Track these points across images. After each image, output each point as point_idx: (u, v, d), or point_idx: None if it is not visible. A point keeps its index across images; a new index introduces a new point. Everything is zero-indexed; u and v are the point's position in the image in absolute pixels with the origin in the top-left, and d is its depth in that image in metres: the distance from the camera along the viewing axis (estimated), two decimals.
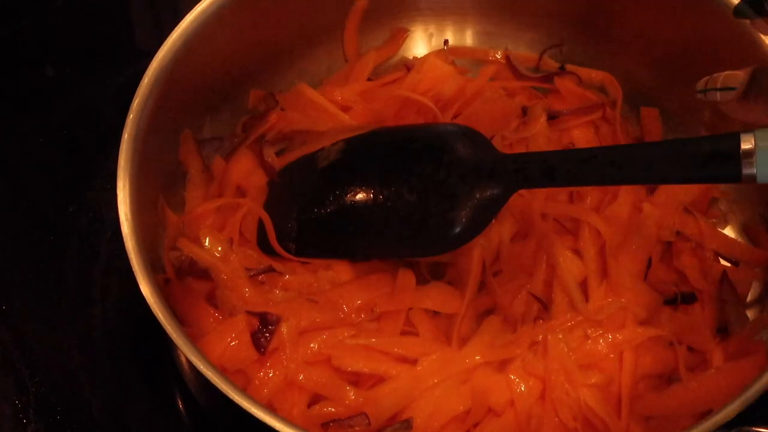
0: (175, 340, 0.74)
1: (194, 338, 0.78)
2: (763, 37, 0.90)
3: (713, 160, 0.70)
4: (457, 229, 0.81)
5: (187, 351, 0.73)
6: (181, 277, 0.85)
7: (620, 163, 0.75)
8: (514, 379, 0.83)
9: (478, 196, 0.80)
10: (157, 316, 0.75)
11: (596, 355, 0.85)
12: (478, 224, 0.81)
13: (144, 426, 0.93)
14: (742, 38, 0.91)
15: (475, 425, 0.82)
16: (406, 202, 0.83)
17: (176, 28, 0.88)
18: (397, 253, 0.88)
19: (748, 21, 0.77)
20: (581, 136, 0.99)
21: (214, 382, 0.72)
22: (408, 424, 0.80)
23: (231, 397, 0.71)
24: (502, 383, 0.83)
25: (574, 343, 0.85)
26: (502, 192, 0.80)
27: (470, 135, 0.83)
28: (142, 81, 0.85)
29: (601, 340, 0.85)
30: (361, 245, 0.87)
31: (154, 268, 0.80)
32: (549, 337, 0.83)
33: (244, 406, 0.71)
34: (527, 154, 0.88)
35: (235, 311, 0.83)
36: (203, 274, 0.85)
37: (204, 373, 0.72)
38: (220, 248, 0.86)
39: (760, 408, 0.75)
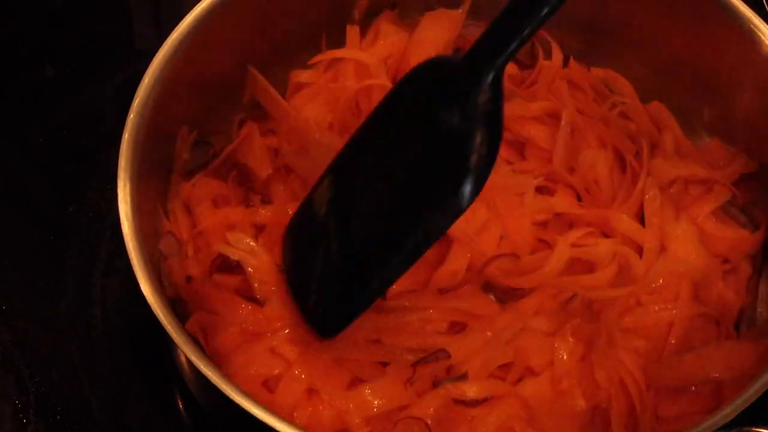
0: (175, 340, 0.74)
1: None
2: (764, 40, 0.90)
3: None
4: (473, 158, 0.68)
5: (187, 351, 0.73)
6: (210, 275, 0.86)
7: None
8: (559, 342, 0.84)
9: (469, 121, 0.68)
10: (157, 316, 0.75)
11: (644, 322, 0.86)
12: (493, 134, 0.69)
13: (144, 426, 0.93)
14: (744, 41, 0.92)
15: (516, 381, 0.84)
16: (411, 183, 0.74)
17: (176, 28, 0.88)
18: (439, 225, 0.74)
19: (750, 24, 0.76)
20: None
21: (214, 382, 0.72)
22: (447, 354, 0.80)
23: (231, 397, 0.71)
24: (546, 345, 0.84)
25: (625, 308, 0.86)
26: (483, 93, 0.68)
27: (413, 82, 0.74)
28: (142, 81, 0.85)
29: (652, 308, 0.86)
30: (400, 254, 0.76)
31: (154, 268, 0.81)
32: (601, 300, 0.84)
33: (244, 406, 0.71)
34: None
35: (272, 298, 0.83)
36: (233, 269, 0.86)
37: (204, 373, 0.72)
38: (250, 243, 0.86)
39: (760, 408, 0.75)
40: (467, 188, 0.68)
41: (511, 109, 0.94)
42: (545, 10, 0.67)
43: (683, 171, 0.95)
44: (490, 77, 0.68)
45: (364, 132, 0.79)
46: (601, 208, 0.92)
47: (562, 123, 0.93)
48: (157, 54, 0.87)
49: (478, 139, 0.68)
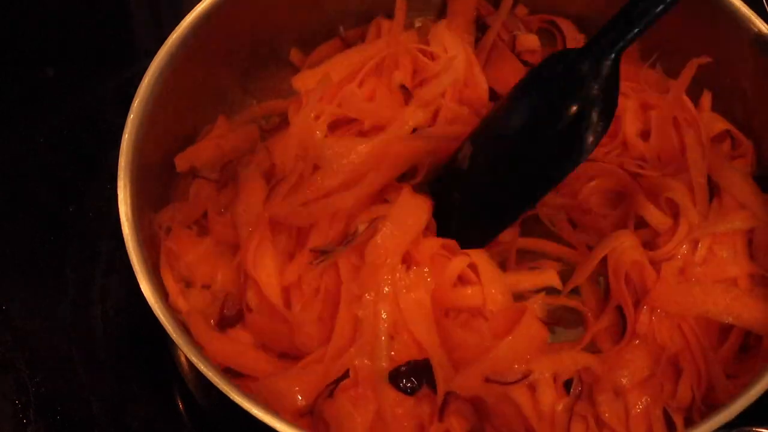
0: (175, 340, 0.74)
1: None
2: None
3: None
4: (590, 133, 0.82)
5: (187, 351, 0.74)
6: (223, 329, 0.86)
7: None
8: None
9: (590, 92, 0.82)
10: (157, 316, 0.75)
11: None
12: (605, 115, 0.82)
13: (144, 426, 0.93)
14: (744, 41, 0.92)
15: None
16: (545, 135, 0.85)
17: (176, 28, 0.88)
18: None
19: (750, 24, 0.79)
20: None
21: (214, 382, 0.72)
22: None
23: (231, 397, 0.71)
24: None
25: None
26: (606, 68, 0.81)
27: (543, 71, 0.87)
28: (142, 81, 0.85)
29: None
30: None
31: (154, 268, 0.81)
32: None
33: (244, 406, 0.71)
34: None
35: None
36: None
37: (204, 373, 0.72)
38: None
39: (760, 408, 0.75)
40: (586, 144, 0.82)
41: None
42: (660, 8, 0.80)
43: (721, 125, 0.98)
44: (611, 59, 0.81)
45: (498, 109, 0.92)
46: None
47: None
48: (157, 54, 0.87)
49: (596, 111, 0.82)
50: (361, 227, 0.87)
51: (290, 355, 0.85)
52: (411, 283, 0.84)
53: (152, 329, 0.76)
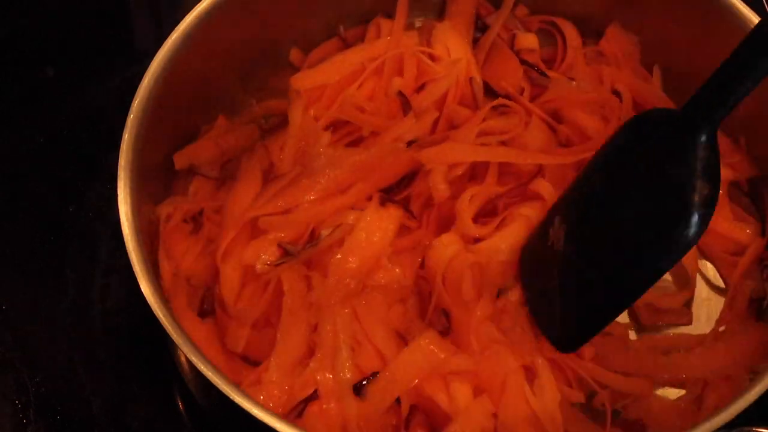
0: (175, 340, 0.74)
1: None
2: None
3: None
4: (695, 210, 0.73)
5: (187, 351, 0.73)
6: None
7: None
8: None
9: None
10: (157, 316, 0.75)
11: None
12: (709, 193, 0.74)
13: (144, 426, 0.93)
14: None
15: None
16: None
17: (176, 28, 0.88)
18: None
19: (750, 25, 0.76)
20: None
21: (214, 382, 0.72)
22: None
23: (231, 397, 0.71)
24: None
25: None
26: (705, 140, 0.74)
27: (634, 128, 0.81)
28: (142, 81, 0.85)
29: None
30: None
31: (154, 268, 0.80)
32: None
33: (244, 406, 0.71)
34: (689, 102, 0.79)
35: None
36: None
37: (204, 373, 0.72)
38: None
39: (760, 408, 0.75)
40: (692, 230, 0.73)
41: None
42: (760, 72, 0.71)
43: None
44: (708, 131, 0.74)
45: (587, 176, 0.85)
46: None
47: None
48: (157, 54, 0.87)
49: (700, 187, 0.73)
50: (325, 232, 0.87)
51: (250, 359, 0.86)
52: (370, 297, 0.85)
53: (152, 329, 0.76)
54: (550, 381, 0.83)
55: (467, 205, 0.89)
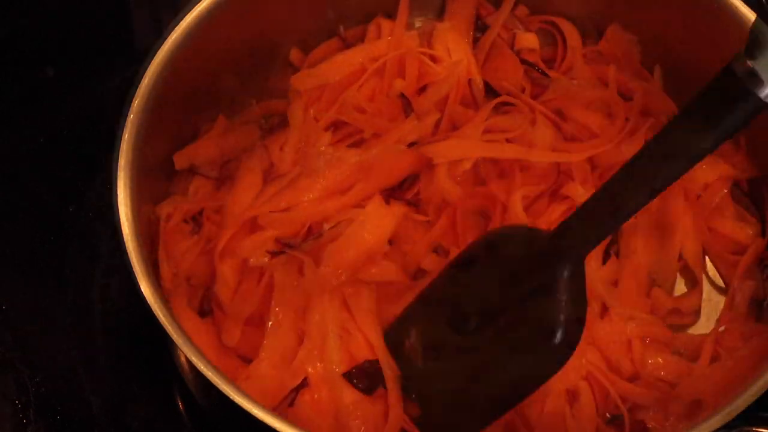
0: (175, 340, 0.74)
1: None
2: None
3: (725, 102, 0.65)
4: (558, 332, 0.74)
5: (187, 351, 0.73)
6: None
7: (647, 168, 0.69)
8: None
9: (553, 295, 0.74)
10: (157, 316, 0.75)
11: None
12: (575, 322, 0.75)
13: (144, 426, 0.93)
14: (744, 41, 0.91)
15: None
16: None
17: (176, 29, 0.88)
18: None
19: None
20: None
21: (214, 382, 0.72)
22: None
23: (231, 397, 0.71)
24: None
25: None
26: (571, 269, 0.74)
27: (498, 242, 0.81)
28: (142, 81, 0.85)
29: None
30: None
31: (154, 268, 0.80)
32: None
33: (244, 406, 0.71)
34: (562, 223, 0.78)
35: None
36: None
37: (204, 373, 0.72)
38: None
39: (760, 408, 0.75)
40: (556, 368, 0.75)
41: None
42: (630, 209, 0.71)
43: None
44: (576, 264, 0.74)
45: (441, 286, 0.85)
46: None
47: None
48: (157, 54, 0.87)
49: (566, 311, 0.74)
50: (327, 226, 0.87)
51: (247, 358, 0.86)
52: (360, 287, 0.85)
53: (152, 329, 0.76)
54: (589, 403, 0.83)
55: (519, 202, 0.89)
